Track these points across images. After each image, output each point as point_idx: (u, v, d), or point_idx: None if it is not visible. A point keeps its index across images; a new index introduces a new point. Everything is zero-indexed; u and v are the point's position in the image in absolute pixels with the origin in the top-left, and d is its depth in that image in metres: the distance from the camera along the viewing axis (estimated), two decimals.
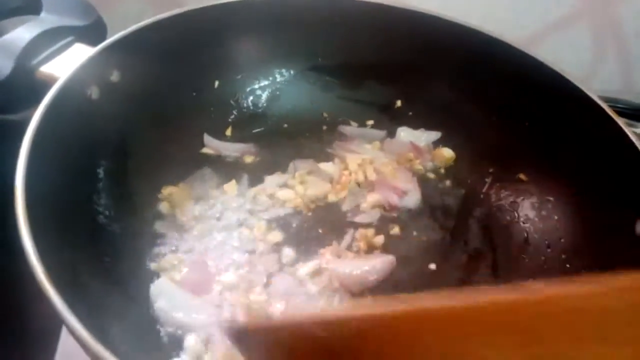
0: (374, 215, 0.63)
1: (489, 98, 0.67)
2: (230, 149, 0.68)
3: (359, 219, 0.62)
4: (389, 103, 0.74)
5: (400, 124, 0.73)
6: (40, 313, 0.37)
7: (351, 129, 0.73)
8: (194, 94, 0.68)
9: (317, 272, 0.56)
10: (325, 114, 0.74)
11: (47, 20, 0.58)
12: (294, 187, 0.65)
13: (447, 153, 0.70)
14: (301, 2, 0.68)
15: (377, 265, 0.56)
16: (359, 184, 0.66)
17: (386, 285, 0.56)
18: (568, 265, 0.56)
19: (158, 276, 0.53)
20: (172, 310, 0.50)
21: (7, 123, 0.58)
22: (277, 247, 0.58)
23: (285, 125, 0.73)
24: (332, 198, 0.65)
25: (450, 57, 0.68)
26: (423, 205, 0.65)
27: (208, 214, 0.60)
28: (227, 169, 0.66)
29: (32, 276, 0.37)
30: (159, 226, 0.58)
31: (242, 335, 0.39)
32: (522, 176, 0.65)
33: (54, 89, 0.49)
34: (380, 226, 0.62)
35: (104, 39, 0.58)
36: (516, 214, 0.63)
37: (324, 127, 0.73)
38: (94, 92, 0.54)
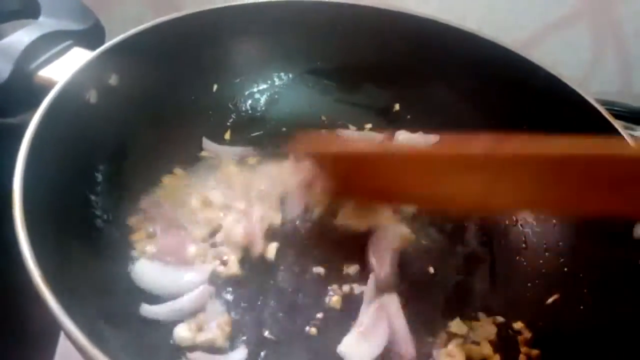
0: None
1: (486, 102, 0.67)
2: (229, 153, 0.68)
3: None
4: (387, 107, 0.74)
5: (398, 128, 0.73)
6: (39, 315, 0.37)
7: (349, 132, 0.74)
8: (193, 97, 0.68)
9: None
10: (323, 118, 0.75)
11: (45, 24, 0.58)
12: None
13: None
14: (299, 5, 0.68)
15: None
16: None
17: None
18: (566, 269, 0.56)
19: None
20: (159, 284, 0.52)
21: (5, 126, 0.58)
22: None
23: (284, 129, 0.73)
24: None
25: (448, 61, 0.68)
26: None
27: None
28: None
29: (28, 278, 0.37)
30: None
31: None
32: None
33: (53, 93, 0.49)
34: None
35: (102, 42, 0.58)
36: (514, 218, 0.64)
37: (323, 131, 0.73)
38: (92, 96, 0.54)
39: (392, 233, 0.61)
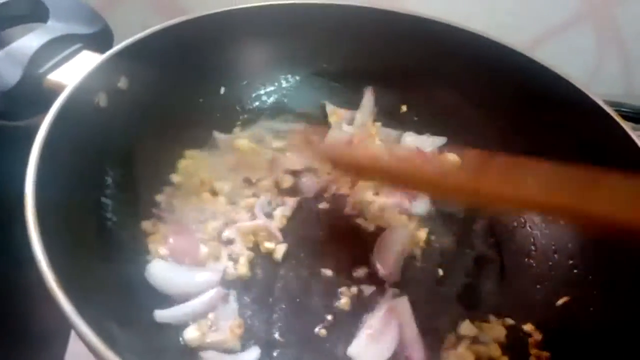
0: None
1: (494, 103, 0.67)
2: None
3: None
4: (394, 108, 0.74)
5: (406, 129, 0.73)
6: (49, 315, 0.37)
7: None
8: (201, 100, 0.68)
9: None
10: (330, 119, 0.74)
11: (54, 28, 0.58)
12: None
13: (453, 158, 0.70)
14: (306, 8, 0.69)
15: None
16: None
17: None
18: (575, 271, 0.56)
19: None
20: (172, 283, 0.53)
21: (15, 129, 0.59)
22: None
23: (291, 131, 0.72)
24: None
25: (455, 62, 0.68)
26: (431, 210, 0.65)
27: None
28: None
29: (41, 280, 0.37)
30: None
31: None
32: None
33: (62, 97, 0.49)
34: None
35: (110, 46, 0.58)
36: (523, 219, 0.63)
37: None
38: (101, 100, 0.55)
39: (400, 234, 0.61)
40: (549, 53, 0.89)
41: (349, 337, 0.52)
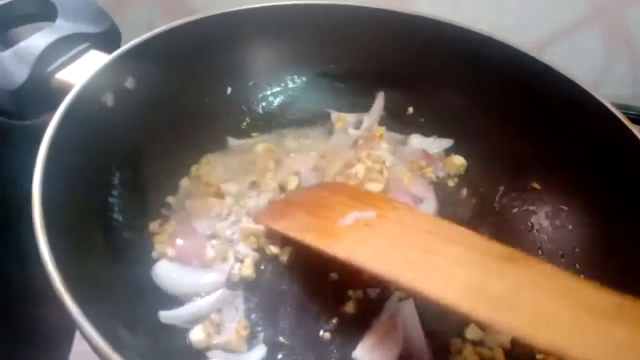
0: None
1: (501, 105, 0.67)
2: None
3: None
4: (400, 110, 0.74)
5: (412, 131, 0.73)
6: (54, 314, 0.38)
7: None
8: (207, 100, 0.68)
9: None
10: (336, 120, 0.74)
11: (62, 27, 0.58)
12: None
13: (459, 161, 0.70)
14: (312, 8, 0.68)
15: None
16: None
17: None
18: (582, 276, 0.56)
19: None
20: (178, 284, 0.53)
21: (20, 128, 0.59)
22: None
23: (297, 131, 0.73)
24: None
25: (462, 64, 0.68)
26: (436, 213, 0.65)
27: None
28: None
29: (46, 279, 0.37)
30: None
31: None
32: (535, 184, 0.64)
33: (70, 96, 0.49)
34: None
35: (118, 45, 0.59)
36: (529, 223, 0.63)
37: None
38: (109, 99, 0.55)
39: None
40: (556, 54, 0.89)
41: (354, 340, 0.52)
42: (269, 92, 0.74)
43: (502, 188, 0.67)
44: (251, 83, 0.72)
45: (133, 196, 0.57)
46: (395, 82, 0.73)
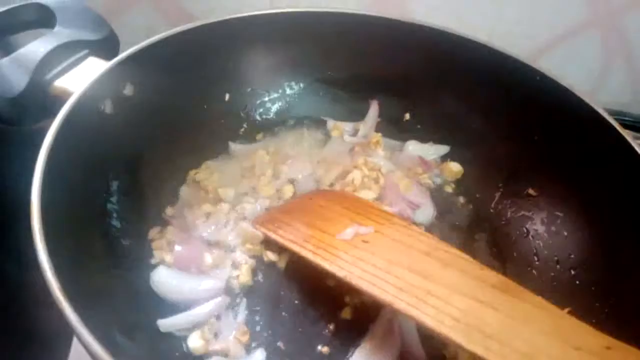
0: None
1: (497, 112, 0.67)
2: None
3: None
4: (397, 116, 0.75)
5: (409, 137, 0.73)
6: (53, 317, 0.38)
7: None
8: (205, 106, 0.68)
9: None
10: (333, 126, 0.75)
11: (61, 34, 0.58)
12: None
13: (455, 167, 0.70)
14: (311, 16, 0.69)
15: None
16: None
17: None
18: (578, 282, 0.56)
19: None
20: (176, 290, 0.53)
21: (19, 135, 0.59)
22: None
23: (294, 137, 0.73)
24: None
25: (459, 72, 0.68)
26: (433, 219, 0.65)
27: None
28: None
29: (44, 283, 0.37)
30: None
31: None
32: (531, 191, 0.65)
33: (69, 104, 0.50)
34: None
35: (117, 52, 0.59)
36: (525, 229, 0.64)
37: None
38: (107, 106, 0.55)
39: None
40: (555, 61, 0.90)
41: (352, 346, 0.52)
42: (266, 99, 0.74)
43: (498, 194, 0.67)
44: (249, 89, 0.73)
45: (131, 203, 0.57)
46: (393, 88, 0.74)
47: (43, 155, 0.45)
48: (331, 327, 0.54)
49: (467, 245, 0.63)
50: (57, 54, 0.56)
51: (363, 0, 0.86)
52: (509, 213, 0.65)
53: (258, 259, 0.59)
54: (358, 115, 0.75)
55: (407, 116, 0.74)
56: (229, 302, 0.54)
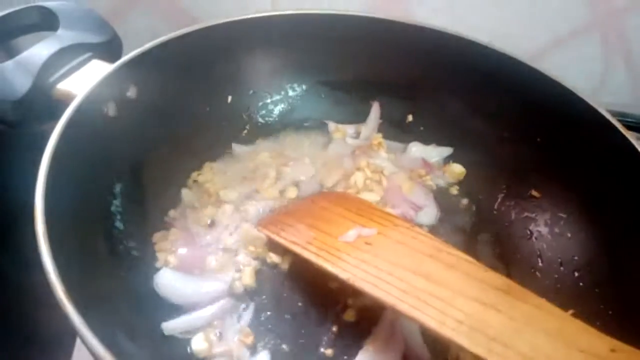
0: None
1: (500, 114, 0.67)
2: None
3: None
4: (400, 118, 0.75)
5: (412, 139, 0.73)
6: (55, 318, 0.38)
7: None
8: (208, 108, 0.69)
9: None
10: (335, 128, 0.75)
11: (64, 36, 0.59)
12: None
13: (458, 169, 0.70)
14: (313, 18, 0.69)
15: None
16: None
17: None
18: (581, 284, 0.56)
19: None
20: (180, 292, 0.53)
21: (23, 137, 0.59)
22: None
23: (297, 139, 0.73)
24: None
25: (462, 73, 0.68)
26: (436, 220, 0.65)
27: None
28: None
29: (47, 284, 0.37)
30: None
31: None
32: (534, 192, 0.64)
33: (72, 107, 0.50)
34: None
35: (120, 55, 0.59)
36: (529, 231, 0.63)
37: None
38: (110, 109, 0.55)
39: None
40: (556, 63, 0.90)
41: (355, 348, 0.52)
42: (269, 101, 0.74)
43: (501, 196, 0.67)
44: (251, 92, 0.73)
45: (135, 205, 0.57)
46: (395, 90, 0.74)
47: (46, 158, 0.45)
48: (334, 329, 0.54)
49: (470, 247, 0.63)
50: (61, 56, 0.57)
51: (365, 2, 0.86)
52: (512, 215, 0.65)
53: (261, 261, 0.59)
54: (361, 117, 0.75)
55: (410, 118, 0.74)
56: (233, 304, 0.54)
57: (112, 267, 0.50)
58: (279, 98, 0.75)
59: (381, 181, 0.68)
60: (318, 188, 0.67)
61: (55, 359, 0.58)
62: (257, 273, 0.57)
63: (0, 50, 0.63)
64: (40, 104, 0.55)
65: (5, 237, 0.61)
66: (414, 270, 0.47)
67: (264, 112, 0.74)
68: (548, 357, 0.38)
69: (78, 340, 0.57)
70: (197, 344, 0.50)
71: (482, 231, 0.65)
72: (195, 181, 0.65)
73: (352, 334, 0.53)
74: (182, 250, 0.57)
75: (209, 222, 0.61)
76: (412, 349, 0.52)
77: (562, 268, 0.59)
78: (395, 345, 0.52)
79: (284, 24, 0.68)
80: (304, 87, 0.75)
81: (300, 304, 0.56)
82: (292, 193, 0.66)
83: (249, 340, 0.51)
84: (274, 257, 0.59)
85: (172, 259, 0.56)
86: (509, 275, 0.60)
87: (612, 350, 0.38)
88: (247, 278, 0.56)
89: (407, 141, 0.73)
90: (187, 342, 0.51)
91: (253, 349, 0.52)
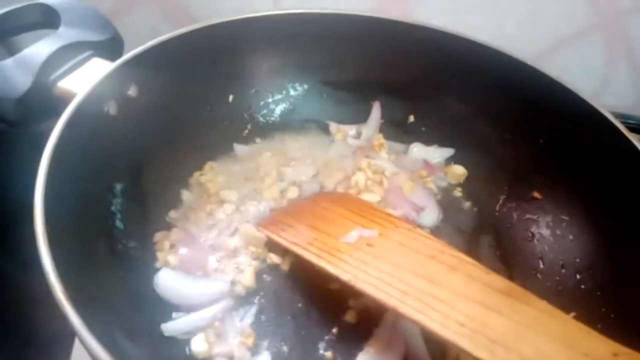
0: None
1: (502, 115, 0.67)
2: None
3: None
4: (401, 118, 0.74)
5: (413, 140, 0.73)
6: (54, 318, 0.38)
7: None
8: (209, 108, 0.68)
9: None
10: (337, 128, 0.74)
11: (65, 34, 0.58)
12: None
13: (460, 170, 0.70)
14: (314, 17, 0.68)
15: None
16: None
17: None
18: (583, 286, 0.56)
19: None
20: (180, 293, 0.53)
21: (23, 136, 0.59)
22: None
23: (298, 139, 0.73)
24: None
25: (464, 74, 0.68)
26: (438, 222, 0.65)
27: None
28: None
29: (45, 284, 0.37)
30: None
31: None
32: (536, 194, 0.64)
33: (72, 105, 0.49)
34: None
35: (121, 53, 0.59)
36: (530, 233, 0.63)
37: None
38: (111, 108, 0.55)
39: None
40: (558, 64, 0.89)
41: (356, 350, 0.52)
42: (270, 100, 0.74)
43: (503, 197, 0.67)
44: (253, 91, 0.73)
45: (135, 205, 0.57)
46: (397, 90, 0.73)
47: (46, 156, 0.44)
48: (335, 330, 0.54)
49: (471, 249, 0.63)
50: (61, 54, 0.56)
51: (367, 1, 0.86)
52: (514, 216, 0.65)
53: (262, 261, 0.59)
54: (362, 117, 0.75)
55: (412, 118, 0.74)
56: (233, 305, 0.54)
57: (112, 267, 0.50)
58: (281, 97, 0.74)
59: (382, 182, 0.68)
60: (319, 188, 0.67)
61: (54, 359, 0.58)
62: (258, 274, 0.57)
63: (0, 47, 0.62)
64: (41, 102, 0.54)
65: (5, 237, 0.61)
66: (415, 272, 0.46)
67: (265, 111, 0.74)
68: None
69: (77, 341, 0.57)
70: (197, 344, 0.50)
71: (484, 233, 0.64)
72: (196, 181, 0.65)
73: (353, 335, 0.53)
74: (183, 251, 0.57)
75: (209, 222, 0.61)
76: (413, 350, 0.52)
77: (563, 270, 0.59)
78: (396, 347, 0.52)
79: (286, 24, 0.68)
80: (305, 86, 0.75)
81: (300, 305, 0.56)
82: (293, 193, 0.65)
83: (250, 341, 0.51)
84: (274, 258, 0.58)
85: (172, 259, 0.56)
86: (510, 277, 0.60)
87: (615, 354, 0.38)
88: (248, 279, 0.56)
89: (408, 142, 0.73)
90: (187, 343, 0.50)
91: (254, 350, 0.51)
